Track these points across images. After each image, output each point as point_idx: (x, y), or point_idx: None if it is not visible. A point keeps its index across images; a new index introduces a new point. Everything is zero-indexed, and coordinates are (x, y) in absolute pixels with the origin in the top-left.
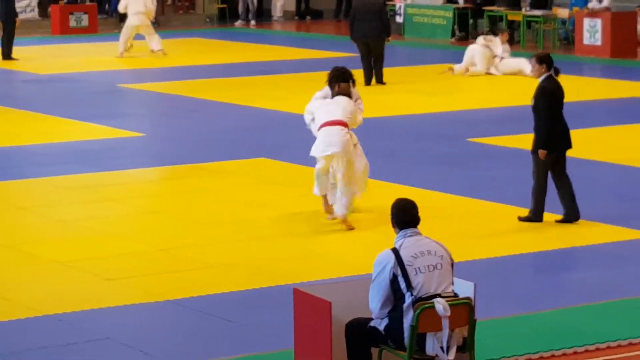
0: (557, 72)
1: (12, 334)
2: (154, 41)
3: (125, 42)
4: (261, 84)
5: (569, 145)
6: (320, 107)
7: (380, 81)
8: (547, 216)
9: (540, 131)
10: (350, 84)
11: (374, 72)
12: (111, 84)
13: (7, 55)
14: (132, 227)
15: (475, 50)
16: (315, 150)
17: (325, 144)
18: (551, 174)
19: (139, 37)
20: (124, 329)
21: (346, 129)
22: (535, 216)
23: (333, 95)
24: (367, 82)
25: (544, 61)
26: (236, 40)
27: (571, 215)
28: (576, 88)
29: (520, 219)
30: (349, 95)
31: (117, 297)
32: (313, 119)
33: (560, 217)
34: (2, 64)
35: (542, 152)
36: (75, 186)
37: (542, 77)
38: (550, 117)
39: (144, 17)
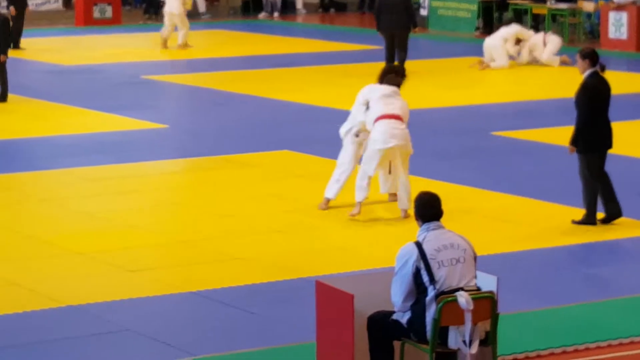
0: (602, 68)
1: (36, 325)
2: (181, 34)
3: (169, 29)
4: (285, 77)
5: (610, 145)
6: (379, 99)
7: (402, 75)
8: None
9: (576, 128)
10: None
11: (399, 62)
12: (135, 75)
13: (16, 45)
14: (155, 219)
15: (490, 45)
16: (375, 143)
17: (388, 135)
18: (589, 172)
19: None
20: (146, 320)
21: (404, 124)
22: (589, 219)
23: (382, 83)
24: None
25: (588, 56)
26: (260, 33)
27: (613, 213)
28: None
29: (575, 222)
30: (397, 84)
31: (140, 289)
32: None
33: (601, 215)
34: (27, 55)
35: (571, 148)
36: (98, 178)
37: (587, 72)
38: (588, 115)
39: (181, 6)
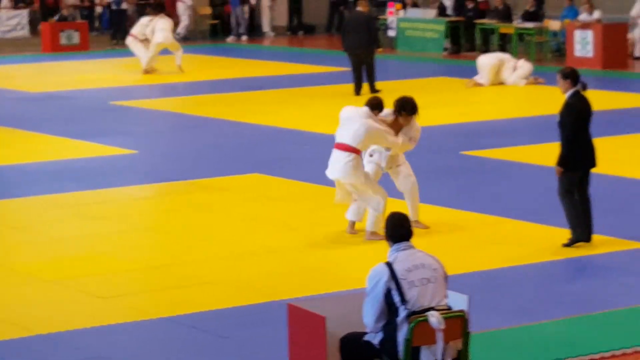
0: (584, 87)
1: (6, 354)
2: (178, 56)
3: (152, 59)
4: (254, 100)
5: (593, 164)
6: (340, 126)
7: (373, 90)
8: (559, 233)
9: (562, 148)
10: (403, 114)
11: (367, 81)
12: (104, 101)
13: None
14: (126, 244)
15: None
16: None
17: (330, 167)
18: (562, 189)
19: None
20: (118, 347)
21: (353, 154)
22: (576, 237)
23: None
24: (357, 92)
25: (569, 76)
26: (228, 56)
27: (583, 236)
28: None
29: (565, 245)
30: (372, 104)
31: (111, 316)
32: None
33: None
34: None
35: (558, 170)
36: (68, 204)
37: (569, 92)
38: (573, 135)
39: (169, 34)
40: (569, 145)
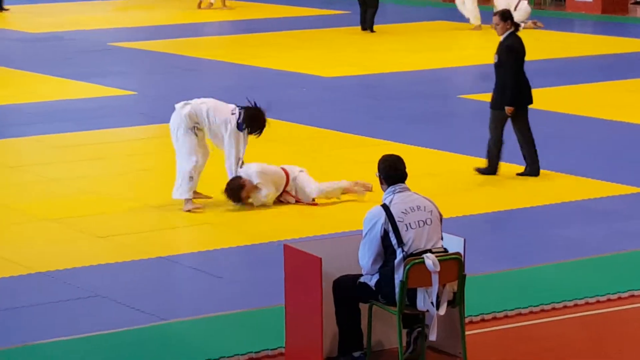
0: (517, 28)
1: (4, 292)
2: None
3: None
4: (253, 42)
5: (531, 101)
6: None
7: (370, 28)
8: (510, 168)
9: (509, 88)
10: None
11: (366, 19)
12: (102, 42)
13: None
14: (123, 184)
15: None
16: None
17: None
18: (515, 129)
19: None
20: (116, 286)
21: None
22: (492, 169)
23: None
24: (363, 29)
25: (509, 17)
26: None
27: (533, 170)
28: (567, 44)
29: (478, 170)
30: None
31: (109, 255)
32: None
33: (521, 169)
34: None
35: (509, 109)
36: (67, 145)
37: (506, 34)
38: (517, 75)
39: None
40: (516, 85)
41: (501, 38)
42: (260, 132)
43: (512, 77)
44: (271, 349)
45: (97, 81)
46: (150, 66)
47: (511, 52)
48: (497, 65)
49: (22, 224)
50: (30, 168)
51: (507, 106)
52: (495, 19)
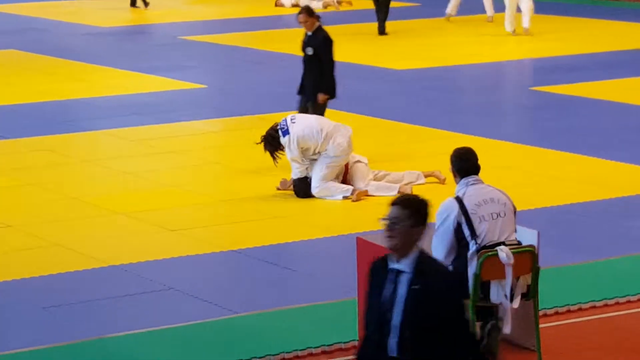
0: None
1: (79, 285)
2: None
3: None
4: None
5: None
6: None
7: (382, 32)
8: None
9: (327, 78)
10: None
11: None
12: (172, 36)
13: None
14: (195, 178)
15: None
16: None
17: None
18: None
19: None
20: (190, 279)
21: None
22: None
23: None
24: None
25: (314, 13)
26: None
27: None
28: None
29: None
30: None
31: (181, 248)
32: None
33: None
34: (64, 18)
35: (324, 97)
36: (138, 138)
37: (315, 27)
38: (333, 65)
39: None
40: (332, 75)
41: (312, 31)
42: (270, 153)
43: (329, 68)
44: (344, 342)
45: (167, 75)
46: (219, 60)
47: (327, 44)
48: (312, 58)
49: (95, 218)
50: (103, 162)
51: (323, 95)
52: (302, 17)
